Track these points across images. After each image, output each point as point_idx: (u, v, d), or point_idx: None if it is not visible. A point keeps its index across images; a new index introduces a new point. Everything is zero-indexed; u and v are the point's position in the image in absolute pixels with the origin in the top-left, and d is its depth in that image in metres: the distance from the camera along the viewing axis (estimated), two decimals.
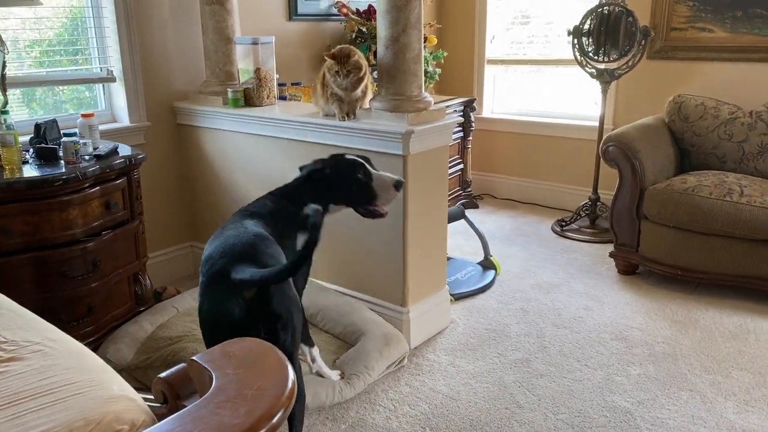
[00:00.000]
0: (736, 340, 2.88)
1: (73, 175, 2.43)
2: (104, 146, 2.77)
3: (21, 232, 2.36)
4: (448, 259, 3.50)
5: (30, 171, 2.45)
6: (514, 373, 2.65)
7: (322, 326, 2.83)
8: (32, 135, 2.72)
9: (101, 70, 3.25)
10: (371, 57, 3.83)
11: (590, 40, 4.04)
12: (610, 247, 3.69)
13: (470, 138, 4.73)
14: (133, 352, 2.64)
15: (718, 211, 3.18)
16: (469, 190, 4.87)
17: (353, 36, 4.16)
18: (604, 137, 3.62)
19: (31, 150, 2.64)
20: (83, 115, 2.80)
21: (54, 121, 2.78)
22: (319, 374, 2.47)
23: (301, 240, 2.15)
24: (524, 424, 2.31)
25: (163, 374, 1.20)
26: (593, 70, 4.11)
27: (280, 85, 3.55)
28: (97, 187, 2.57)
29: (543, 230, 4.41)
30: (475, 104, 4.72)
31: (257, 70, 3.23)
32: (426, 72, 4.30)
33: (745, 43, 3.90)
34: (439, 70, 4.60)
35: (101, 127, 2.96)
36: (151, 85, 3.35)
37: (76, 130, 2.71)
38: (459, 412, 2.39)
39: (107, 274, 2.66)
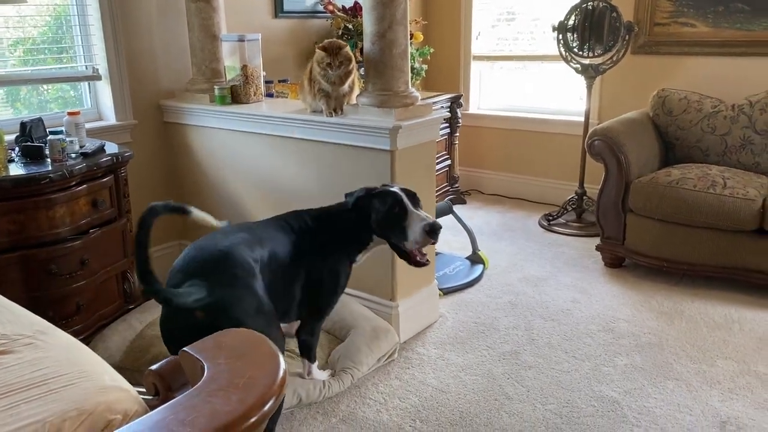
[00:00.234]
0: (721, 330, 2.92)
1: (60, 173, 2.42)
2: (91, 144, 2.76)
3: (8, 230, 2.35)
4: (437, 254, 3.53)
5: (16, 169, 2.44)
6: (503, 366, 2.67)
7: None
8: (18, 134, 2.71)
9: (87, 68, 3.24)
10: (357, 54, 3.84)
11: (575, 35, 4.07)
12: (597, 241, 3.73)
13: (457, 134, 4.75)
14: (123, 350, 2.63)
15: (702, 203, 3.22)
16: (456, 185, 4.90)
17: (339, 33, 4.17)
18: (590, 132, 3.66)
19: (17, 148, 2.62)
20: (69, 113, 2.78)
21: (40, 119, 2.77)
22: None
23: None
24: (513, 415, 2.34)
25: (154, 366, 1.21)
26: (578, 66, 4.14)
27: (266, 82, 3.55)
28: (84, 185, 2.57)
29: (530, 225, 4.44)
30: (461, 100, 4.75)
31: (244, 67, 3.23)
32: (412, 68, 4.32)
33: (726, 38, 3.95)
34: (425, 67, 4.62)
35: (87, 126, 2.95)
36: (138, 83, 3.34)
37: (63, 129, 2.70)
38: (449, 404, 2.41)
39: (95, 272, 2.65)
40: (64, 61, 3.20)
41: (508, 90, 5.10)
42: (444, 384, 2.54)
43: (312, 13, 4.22)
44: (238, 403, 0.96)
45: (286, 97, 3.61)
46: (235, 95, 3.28)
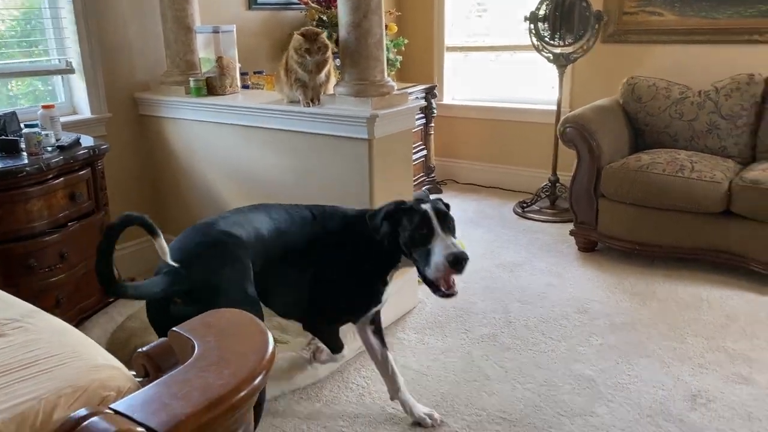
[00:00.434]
0: (691, 309, 3.02)
1: (37, 166, 2.42)
2: (66, 137, 2.75)
3: None
4: None
5: None
6: (482, 348, 2.73)
7: None
8: None
9: (60, 61, 3.21)
10: (333, 45, 3.85)
11: (546, 25, 4.14)
12: (570, 226, 3.81)
13: (432, 124, 4.80)
14: (104, 342, 2.63)
15: (671, 186, 3.31)
16: (432, 175, 4.95)
17: (314, 24, 4.18)
18: (562, 119, 3.73)
19: None
20: (44, 107, 2.77)
21: (14, 113, 2.75)
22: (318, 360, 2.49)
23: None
24: (493, 395, 2.40)
25: (143, 348, 1.23)
26: (549, 55, 4.21)
27: (242, 74, 3.55)
28: (61, 178, 2.56)
29: (505, 212, 4.51)
30: (436, 91, 4.79)
31: (219, 59, 3.23)
32: (387, 59, 4.34)
33: (692, 26, 4.04)
34: (400, 58, 4.66)
35: (62, 120, 2.93)
36: (112, 76, 3.33)
37: (37, 122, 2.69)
38: (430, 386, 2.46)
39: (74, 266, 2.65)
40: (35, 55, 3.17)
41: (482, 80, 5.15)
42: (425, 367, 2.59)
43: (286, 5, 4.23)
44: (229, 377, 1.00)
45: (262, 89, 3.62)
46: (211, 87, 3.28)
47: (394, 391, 2.26)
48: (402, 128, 2.82)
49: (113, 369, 1.06)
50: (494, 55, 5.07)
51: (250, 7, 3.98)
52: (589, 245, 3.73)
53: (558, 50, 4.17)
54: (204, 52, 3.27)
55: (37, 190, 2.44)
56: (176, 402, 0.92)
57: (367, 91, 2.67)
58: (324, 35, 2.71)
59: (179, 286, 1.74)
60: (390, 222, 2.00)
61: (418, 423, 2.23)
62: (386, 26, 4.13)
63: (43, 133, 2.57)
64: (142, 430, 0.85)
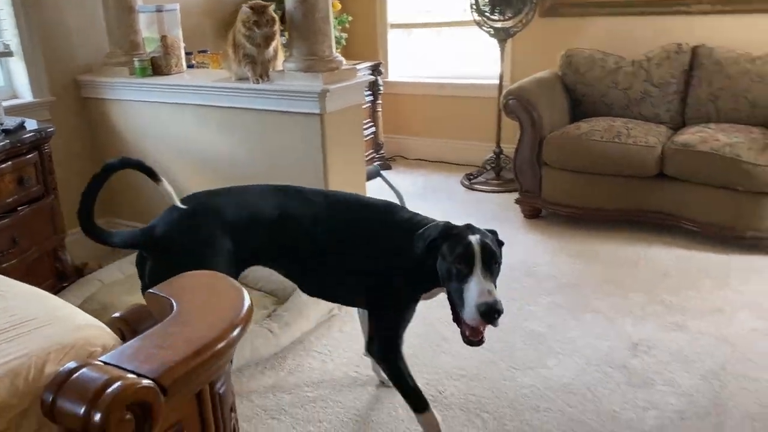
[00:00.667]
0: (631, 267, 3.20)
1: None
2: (10, 121, 2.69)
3: None
4: None
5: None
6: (439, 312, 2.82)
7: (253, 285, 2.90)
8: None
9: None
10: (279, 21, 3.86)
11: (486, 0, 4.24)
12: (516, 195, 3.96)
13: (380, 101, 4.86)
14: None
15: (609, 152, 3.48)
16: (381, 152, 5.02)
17: None
18: (504, 92, 3.85)
19: None
20: None
21: None
22: None
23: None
24: (451, 355, 2.51)
25: (117, 313, 1.27)
26: (490, 30, 4.32)
27: (186, 53, 3.52)
28: (9, 162, 2.52)
29: (453, 185, 4.64)
30: (381, 68, 4.85)
31: (163, 38, 3.21)
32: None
33: None
34: (345, 35, 4.68)
35: (3, 104, 2.86)
36: (53, 59, 3.25)
37: None
38: None
39: (26, 251, 2.62)
40: None
41: (426, 57, 5.24)
42: None
43: None
44: (210, 329, 1.05)
45: (208, 68, 3.60)
46: (156, 67, 3.25)
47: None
48: (352, 103, 2.87)
49: (97, 328, 1.10)
50: (437, 31, 5.15)
51: None
52: (534, 212, 3.89)
53: (498, 24, 4.28)
54: (148, 32, 3.24)
55: None
56: (163, 351, 0.97)
57: (316, 66, 2.71)
58: (272, 8, 2.72)
59: (142, 240, 1.85)
60: (430, 245, 1.79)
61: (382, 382, 2.32)
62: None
63: None
64: (133, 376, 0.90)
